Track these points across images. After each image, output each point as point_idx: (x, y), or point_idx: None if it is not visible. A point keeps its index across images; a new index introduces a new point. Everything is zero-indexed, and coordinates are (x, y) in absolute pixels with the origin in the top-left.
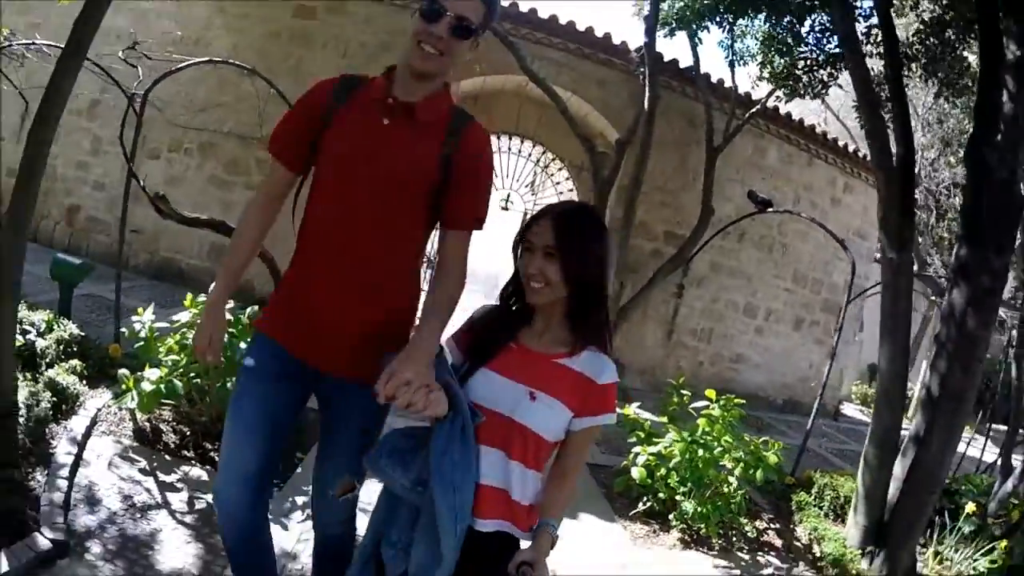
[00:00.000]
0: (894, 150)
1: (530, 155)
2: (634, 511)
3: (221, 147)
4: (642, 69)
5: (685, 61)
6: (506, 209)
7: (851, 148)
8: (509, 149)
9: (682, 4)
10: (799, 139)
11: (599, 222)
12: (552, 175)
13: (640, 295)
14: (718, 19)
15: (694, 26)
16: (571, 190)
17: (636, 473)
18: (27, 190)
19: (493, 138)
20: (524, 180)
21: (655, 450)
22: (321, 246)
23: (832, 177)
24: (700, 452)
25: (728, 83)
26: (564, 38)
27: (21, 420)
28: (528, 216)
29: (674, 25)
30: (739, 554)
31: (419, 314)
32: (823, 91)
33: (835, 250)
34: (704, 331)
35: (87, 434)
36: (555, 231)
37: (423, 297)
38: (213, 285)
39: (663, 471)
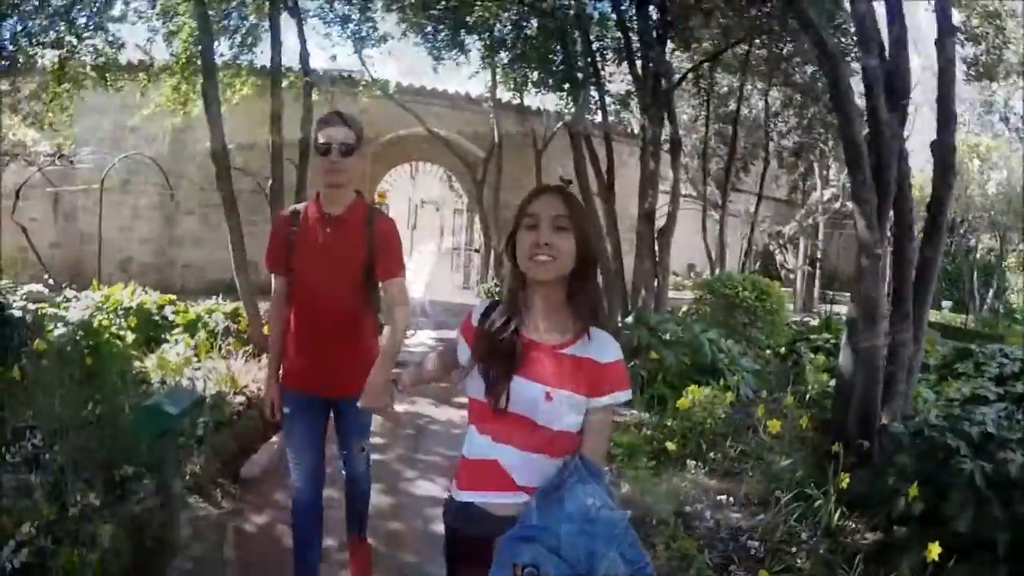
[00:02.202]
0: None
1: (429, 171)
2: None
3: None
4: (491, 115)
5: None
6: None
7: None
8: (419, 171)
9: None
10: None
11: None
12: (443, 180)
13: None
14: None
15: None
16: (456, 187)
17: None
18: None
19: (407, 165)
20: (430, 189)
21: None
22: (306, 322)
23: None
24: None
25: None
26: (439, 98)
27: None
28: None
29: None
30: None
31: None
32: (600, 102)
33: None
34: None
35: None
36: (565, 203)
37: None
38: (267, 363)
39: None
